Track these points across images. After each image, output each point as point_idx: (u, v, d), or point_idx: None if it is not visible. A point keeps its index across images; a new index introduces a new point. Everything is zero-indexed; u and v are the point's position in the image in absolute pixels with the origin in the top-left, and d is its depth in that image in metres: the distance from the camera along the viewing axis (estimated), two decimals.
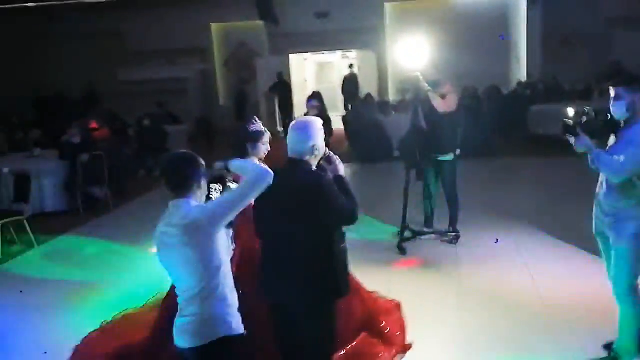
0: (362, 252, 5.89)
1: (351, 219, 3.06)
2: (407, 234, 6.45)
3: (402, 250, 6.28)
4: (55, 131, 11.14)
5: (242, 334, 2.70)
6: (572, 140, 3.66)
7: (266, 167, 2.86)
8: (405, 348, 4.19)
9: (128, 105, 15.18)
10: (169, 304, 4.01)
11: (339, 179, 3.13)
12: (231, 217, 2.67)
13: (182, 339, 2.67)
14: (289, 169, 3.06)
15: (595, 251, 5.67)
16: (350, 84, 16.78)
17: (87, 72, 16.93)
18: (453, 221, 6.58)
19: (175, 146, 12.24)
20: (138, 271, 6.24)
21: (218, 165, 3.21)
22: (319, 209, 2.94)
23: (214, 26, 18.41)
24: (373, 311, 4.32)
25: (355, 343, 4.04)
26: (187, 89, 17.46)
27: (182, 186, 2.66)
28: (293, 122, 3.19)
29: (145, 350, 4.04)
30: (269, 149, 4.02)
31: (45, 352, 4.52)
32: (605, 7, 16.15)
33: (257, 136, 4.00)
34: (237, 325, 2.67)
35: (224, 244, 2.71)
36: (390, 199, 7.57)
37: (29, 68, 17.16)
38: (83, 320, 4.93)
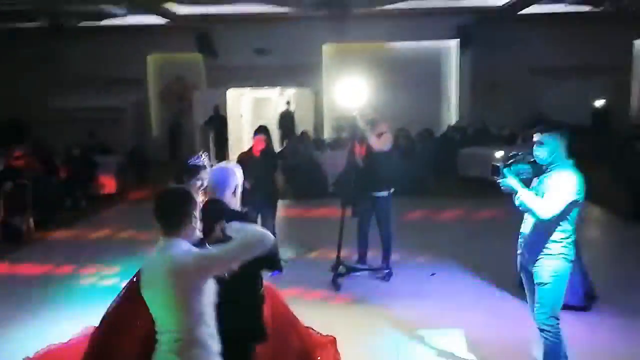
0: (297, 287, 5.90)
1: (261, 244, 2.75)
2: (341, 269, 6.48)
3: (336, 286, 6.30)
4: None
5: None
6: (499, 180, 3.85)
7: (260, 228, 2.77)
8: None
9: (59, 133, 14.69)
10: (96, 338, 3.90)
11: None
12: (220, 272, 2.60)
13: None
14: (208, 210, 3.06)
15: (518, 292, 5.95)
16: (286, 120, 16.90)
17: (18, 97, 16.32)
18: (386, 258, 6.67)
19: (104, 177, 11.96)
20: (59, 305, 5.98)
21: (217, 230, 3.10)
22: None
23: (151, 57, 18.22)
24: (309, 346, 4.32)
25: None
26: (121, 119, 17.12)
27: (173, 225, 2.56)
28: (214, 167, 3.36)
29: None
30: (204, 185, 4.01)
31: None
32: (530, 57, 17.15)
33: (192, 170, 4.06)
34: None
35: (210, 291, 2.60)
36: (326, 235, 7.61)
37: None
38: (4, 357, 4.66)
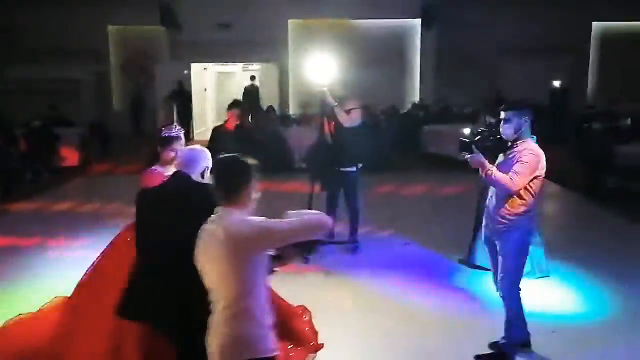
0: None
1: None
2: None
3: (305, 259, 6.41)
4: None
5: (273, 357, 2.57)
6: (467, 157, 4.01)
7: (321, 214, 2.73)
8: (317, 348, 4.37)
9: (19, 104, 14.31)
10: (75, 304, 3.94)
11: None
12: (275, 247, 2.56)
13: (213, 351, 2.55)
14: (176, 179, 3.15)
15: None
16: (251, 96, 16.83)
17: None
18: (354, 231, 6.82)
19: (66, 150, 11.77)
20: (29, 276, 5.95)
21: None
22: (204, 211, 2.73)
23: (112, 28, 17.81)
24: (285, 315, 4.45)
25: None
26: (80, 92, 16.74)
27: (232, 195, 2.54)
28: (189, 147, 3.39)
29: (49, 351, 3.94)
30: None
31: None
32: (493, 37, 17.46)
33: (165, 141, 4.10)
34: (267, 348, 2.54)
35: (263, 266, 2.56)
36: (292, 209, 7.69)
37: None
38: None
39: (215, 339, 2.52)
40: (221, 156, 2.69)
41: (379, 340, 4.62)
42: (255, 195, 2.62)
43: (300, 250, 2.74)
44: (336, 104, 6.42)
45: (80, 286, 4.14)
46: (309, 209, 6.33)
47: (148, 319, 3.02)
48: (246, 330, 2.49)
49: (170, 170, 3.60)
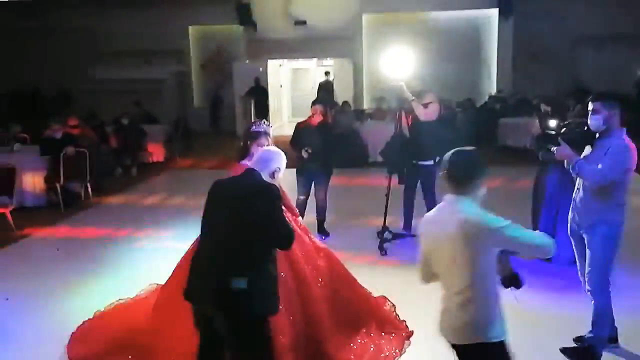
0: (345, 252, 6.13)
1: (286, 239, 3.11)
2: (387, 235, 6.71)
3: (382, 251, 6.54)
4: (33, 127, 11.10)
5: (502, 341, 2.70)
6: (554, 148, 3.98)
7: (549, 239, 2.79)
8: (409, 334, 4.51)
9: (102, 103, 15.13)
10: (167, 296, 4.19)
11: None
12: (502, 247, 2.68)
13: (444, 331, 2.78)
14: (247, 174, 3.25)
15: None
16: (325, 91, 17.03)
17: (63, 69, 16.83)
18: None
19: (153, 146, 12.36)
20: (123, 265, 6.37)
21: None
22: (264, 207, 3.03)
23: (192, 28, 18.46)
24: (375, 305, 4.69)
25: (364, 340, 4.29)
26: (162, 90, 17.46)
27: (465, 185, 2.69)
28: (268, 147, 3.51)
29: (142, 339, 4.20)
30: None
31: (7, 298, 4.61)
32: (573, 26, 16.86)
33: (254, 136, 4.30)
34: (497, 333, 2.68)
35: (494, 255, 2.67)
36: (370, 202, 7.82)
37: (3, 64, 16.93)
38: (74, 311, 5.04)
39: (447, 321, 2.73)
40: (460, 148, 2.83)
41: None
42: (483, 189, 2.76)
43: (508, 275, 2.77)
44: (413, 98, 6.48)
45: (173, 277, 4.32)
46: (386, 203, 6.50)
47: (206, 303, 3.09)
48: (479, 315, 2.65)
49: None
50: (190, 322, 3.25)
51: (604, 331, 4.08)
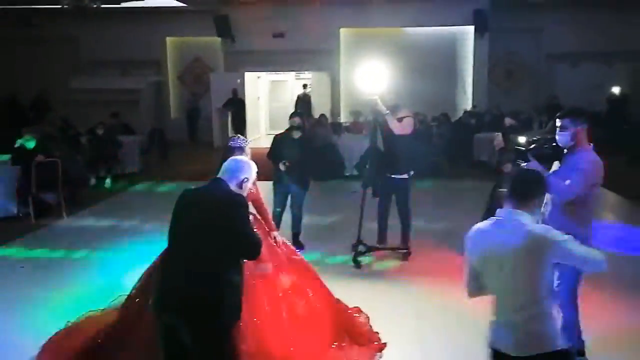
0: (319, 265, 6.13)
1: (253, 249, 3.16)
2: (361, 248, 6.73)
3: (356, 263, 6.56)
4: (7, 136, 10.94)
5: (567, 350, 2.82)
6: (523, 164, 4.06)
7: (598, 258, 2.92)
8: (381, 347, 4.55)
9: (79, 113, 14.99)
10: (129, 306, 4.25)
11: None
12: (561, 261, 2.86)
13: (503, 344, 2.81)
14: (213, 184, 3.23)
15: None
16: (302, 104, 17.11)
17: (40, 77, 16.65)
18: (405, 238, 6.92)
19: (128, 156, 12.26)
20: (96, 276, 6.29)
21: None
22: (232, 219, 3.04)
23: (169, 39, 18.44)
24: (347, 317, 4.76)
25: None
26: (140, 101, 17.37)
27: (527, 200, 2.83)
28: (234, 157, 3.45)
29: (104, 348, 4.24)
30: None
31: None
32: (548, 44, 17.23)
33: (230, 150, 4.44)
34: (562, 341, 2.79)
35: (552, 273, 2.85)
36: (344, 215, 7.86)
37: None
38: (45, 322, 4.98)
39: (508, 335, 2.78)
40: (526, 168, 3.18)
41: (434, 342, 4.73)
42: (540, 207, 3.00)
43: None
44: (387, 112, 6.54)
45: (136, 290, 4.40)
46: (360, 216, 6.53)
47: (172, 313, 3.07)
48: (547, 328, 2.75)
49: None
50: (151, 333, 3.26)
51: (571, 341, 4.14)
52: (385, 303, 5.49)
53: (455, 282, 6.00)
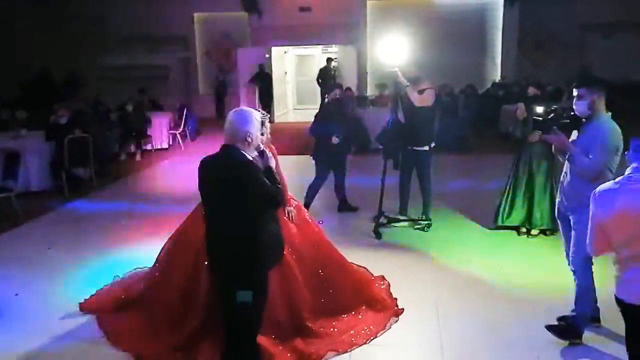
0: (341, 236, 6.27)
1: (273, 202, 3.31)
2: (382, 220, 6.83)
3: (377, 235, 6.66)
4: (40, 112, 11.27)
5: None
6: (546, 136, 4.06)
7: None
8: (398, 312, 4.66)
9: (108, 90, 15.29)
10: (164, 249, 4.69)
11: (268, 169, 3.37)
12: None
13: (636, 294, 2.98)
14: (222, 153, 3.30)
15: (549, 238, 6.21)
16: (325, 76, 17.13)
17: (70, 55, 16.98)
18: (426, 210, 6.98)
19: (157, 132, 12.50)
20: (127, 245, 6.52)
21: None
22: (245, 186, 3.15)
23: (197, 15, 18.56)
24: (367, 282, 4.89)
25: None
26: (168, 77, 17.60)
27: None
28: (233, 110, 3.39)
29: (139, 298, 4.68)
30: (268, 137, 4.35)
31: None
32: (580, 13, 16.82)
33: None
34: None
35: None
36: (368, 187, 7.94)
37: (12, 50, 17.10)
38: (78, 289, 5.26)
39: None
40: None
41: (453, 312, 4.80)
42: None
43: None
44: (408, 84, 6.55)
45: (165, 248, 4.77)
46: (381, 188, 6.61)
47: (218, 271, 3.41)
48: None
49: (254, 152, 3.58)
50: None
51: (585, 308, 4.19)
52: (404, 272, 5.59)
53: (475, 252, 6.11)
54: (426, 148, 6.78)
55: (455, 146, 10.90)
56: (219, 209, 3.24)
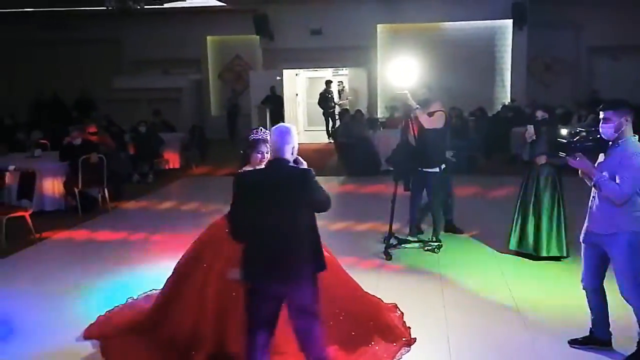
0: (351, 257, 6.30)
1: (327, 206, 3.54)
2: (392, 241, 6.86)
3: (388, 256, 6.68)
4: (54, 133, 11.44)
5: None
6: (570, 159, 4.07)
7: None
8: (410, 342, 4.59)
9: (122, 112, 15.52)
10: (174, 281, 4.60)
11: None
12: None
13: None
14: (274, 165, 3.52)
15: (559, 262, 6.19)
16: (324, 100, 17.43)
17: (84, 77, 17.27)
18: (436, 231, 7.00)
19: (169, 153, 12.65)
20: (138, 266, 6.59)
21: None
22: (306, 192, 3.40)
23: (210, 38, 18.84)
24: (379, 311, 4.83)
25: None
26: (181, 99, 17.83)
27: None
28: (275, 127, 3.64)
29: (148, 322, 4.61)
30: (266, 158, 4.33)
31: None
32: (588, 36, 16.91)
33: (252, 144, 4.45)
34: None
35: None
36: (378, 209, 7.97)
37: (27, 72, 17.44)
38: (88, 310, 5.29)
39: None
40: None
41: (464, 334, 4.79)
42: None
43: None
44: (417, 106, 6.63)
45: (178, 266, 4.70)
46: (392, 209, 6.65)
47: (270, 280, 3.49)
48: None
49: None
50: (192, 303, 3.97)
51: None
52: (414, 295, 5.59)
53: (485, 274, 6.11)
54: (436, 170, 6.83)
55: (465, 168, 10.93)
56: (276, 213, 3.40)
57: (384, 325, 4.70)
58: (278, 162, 3.49)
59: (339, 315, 4.43)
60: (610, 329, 4.35)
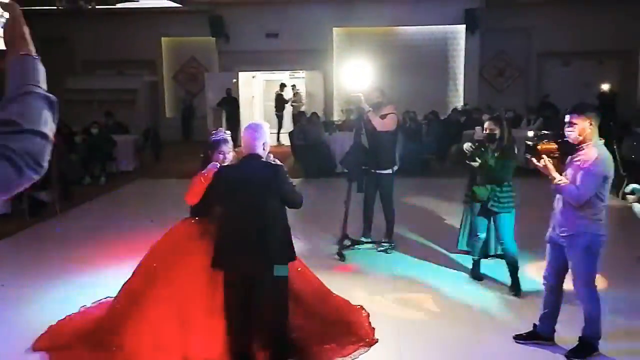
0: (305, 258, 6.29)
1: (300, 200, 3.86)
2: (346, 242, 6.92)
3: (341, 257, 6.74)
4: None
5: None
6: (536, 162, 4.19)
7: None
8: (372, 342, 4.60)
9: (74, 113, 15.15)
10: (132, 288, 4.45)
11: None
12: None
13: None
14: (248, 160, 3.77)
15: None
16: (279, 102, 17.76)
17: None
18: (389, 232, 7.09)
19: (122, 155, 12.43)
20: (86, 273, 6.44)
21: None
22: (277, 186, 3.67)
23: (164, 39, 18.62)
24: (346, 311, 4.89)
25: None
26: (135, 100, 17.55)
27: None
28: (247, 124, 3.92)
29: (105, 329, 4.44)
30: (228, 158, 4.39)
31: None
32: (539, 42, 17.43)
33: (214, 145, 4.44)
34: None
35: None
36: (332, 210, 8.02)
37: None
38: (33, 319, 5.13)
39: None
40: None
41: (415, 332, 4.88)
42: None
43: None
44: (370, 109, 6.72)
45: (137, 273, 4.57)
46: (345, 211, 6.71)
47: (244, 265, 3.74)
48: None
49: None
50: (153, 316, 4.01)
51: (598, 328, 4.25)
52: (366, 293, 5.66)
53: (435, 275, 6.22)
54: (389, 171, 6.92)
55: (418, 170, 11.12)
56: (249, 206, 3.67)
57: (350, 324, 4.75)
58: (250, 157, 3.75)
59: (307, 314, 4.48)
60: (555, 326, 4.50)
